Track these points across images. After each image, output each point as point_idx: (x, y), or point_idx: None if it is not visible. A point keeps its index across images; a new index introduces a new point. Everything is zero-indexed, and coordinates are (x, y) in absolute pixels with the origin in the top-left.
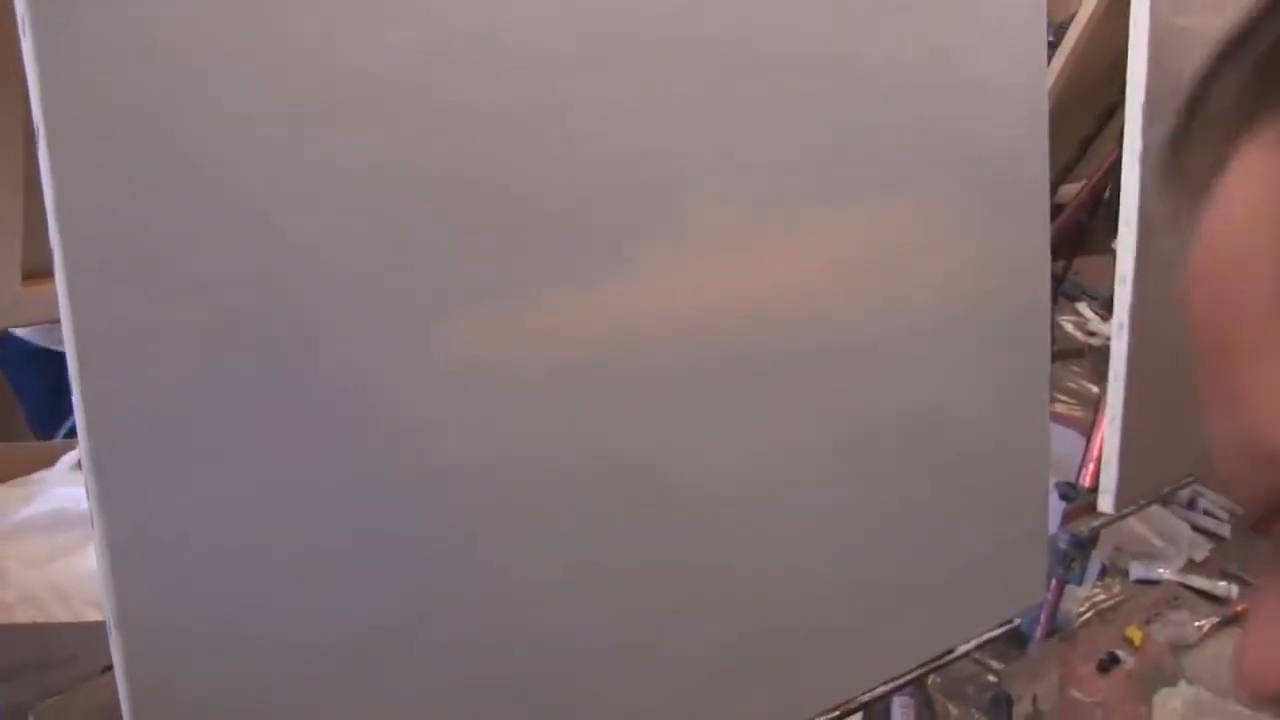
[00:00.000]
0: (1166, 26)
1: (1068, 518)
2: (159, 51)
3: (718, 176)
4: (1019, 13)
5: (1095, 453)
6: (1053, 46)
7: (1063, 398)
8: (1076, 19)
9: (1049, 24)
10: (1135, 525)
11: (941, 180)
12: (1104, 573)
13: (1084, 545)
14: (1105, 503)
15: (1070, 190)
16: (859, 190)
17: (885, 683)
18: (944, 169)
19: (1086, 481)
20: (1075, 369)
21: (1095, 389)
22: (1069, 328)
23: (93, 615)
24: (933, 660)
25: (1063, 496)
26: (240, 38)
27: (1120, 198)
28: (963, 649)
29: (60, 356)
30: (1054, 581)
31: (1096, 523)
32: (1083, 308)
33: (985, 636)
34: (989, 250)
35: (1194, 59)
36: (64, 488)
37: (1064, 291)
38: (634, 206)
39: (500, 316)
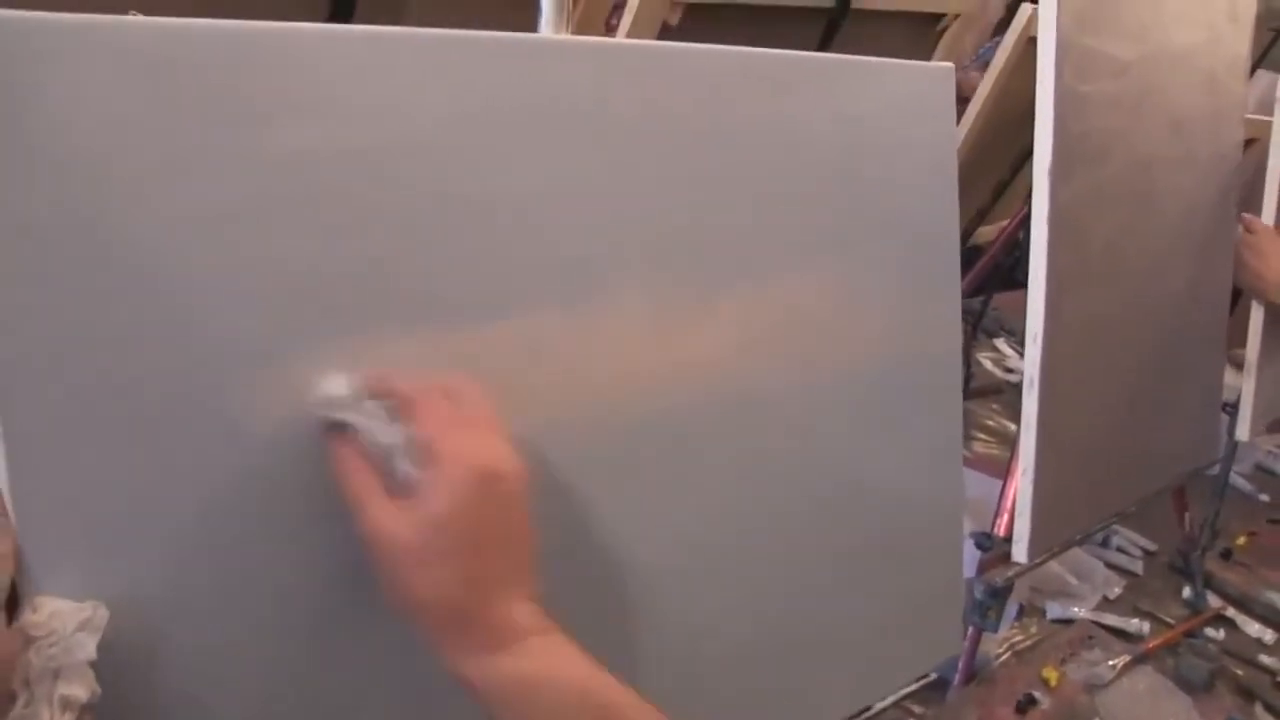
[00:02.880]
0: (1069, 93)
1: (983, 567)
2: (78, 159)
3: (635, 254)
4: (931, 82)
5: (1009, 503)
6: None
7: (981, 435)
8: (987, 73)
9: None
10: (1051, 565)
11: (856, 247)
12: (1021, 613)
13: (999, 594)
14: (1019, 552)
15: (986, 232)
16: (776, 260)
17: None
18: (858, 236)
19: (1001, 531)
20: (994, 407)
21: (1013, 426)
22: (987, 364)
23: None
24: (855, 716)
25: (978, 546)
26: (160, 144)
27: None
28: (883, 704)
29: None
30: (971, 630)
31: (1011, 572)
32: (1001, 344)
33: (905, 690)
34: (904, 313)
35: (1095, 123)
36: None
37: (982, 328)
38: (555, 288)
39: None
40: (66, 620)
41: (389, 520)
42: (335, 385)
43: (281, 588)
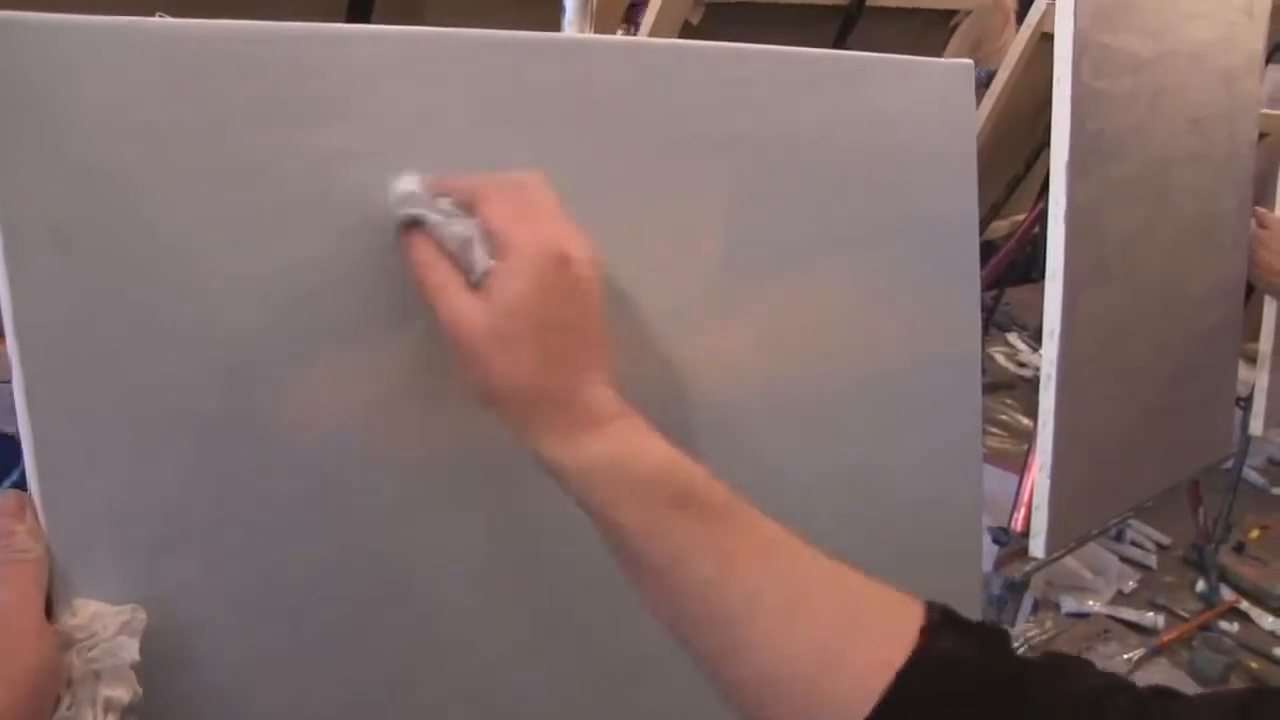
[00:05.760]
0: (1086, 89)
1: (1000, 562)
2: (105, 162)
3: (660, 252)
4: (951, 80)
5: (1026, 497)
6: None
7: (995, 430)
8: (1002, 66)
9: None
10: (1066, 559)
11: (877, 245)
12: (1036, 607)
13: (1016, 589)
14: (1036, 547)
15: (999, 227)
16: (798, 258)
17: None
18: (879, 234)
19: (1018, 526)
20: (1007, 402)
21: (1027, 421)
22: (1000, 359)
23: None
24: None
25: (995, 541)
26: (187, 147)
27: (1047, 253)
28: None
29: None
30: None
31: (1029, 567)
32: (1013, 338)
33: None
34: (923, 312)
35: (1112, 120)
36: None
37: (995, 322)
38: None
39: (454, 408)
40: (108, 623)
41: (467, 308)
42: (408, 184)
43: (315, 588)
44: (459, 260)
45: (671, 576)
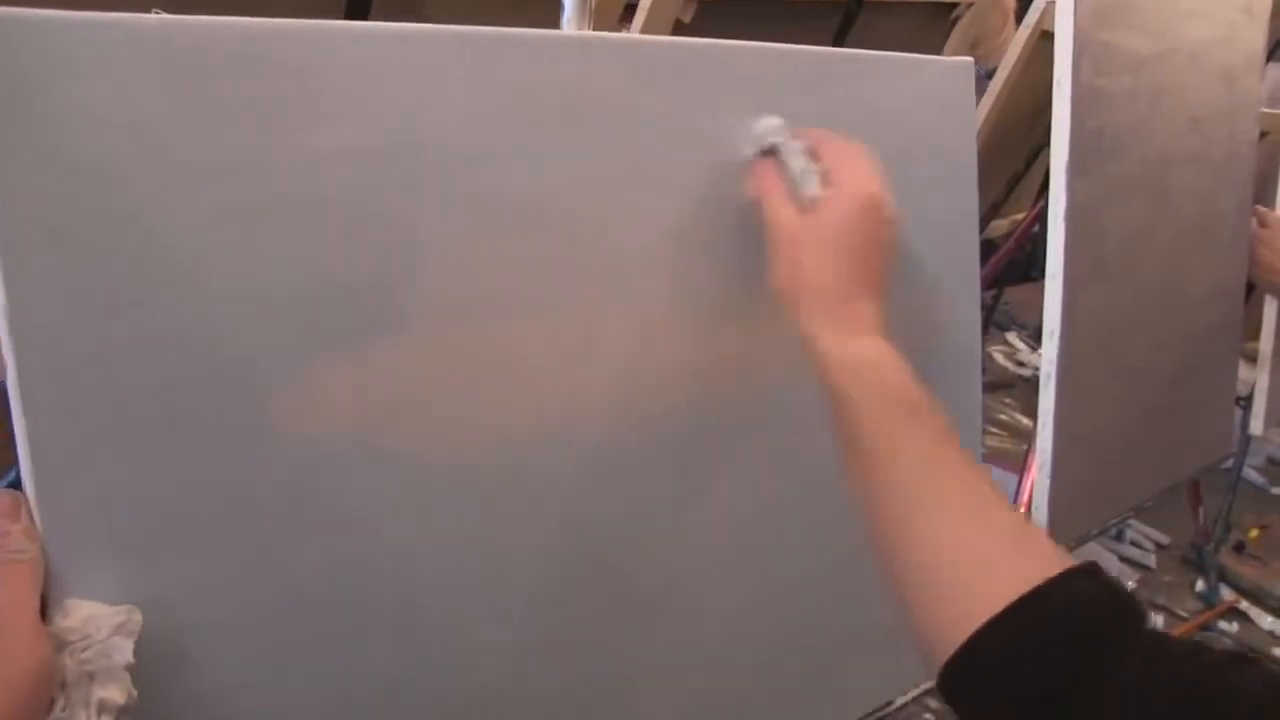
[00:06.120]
0: (1086, 88)
1: None
2: (102, 160)
3: (663, 251)
4: (951, 78)
5: (1025, 498)
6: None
7: (994, 430)
8: (1002, 65)
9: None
10: None
11: None
12: None
13: None
14: None
15: (999, 226)
16: None
17: None
18: None
19: None
20: (1006, 401)
21: (1026, 420)
22: (999, 358)
23: None
24: (875, 710)
25: None
26: (184, 145)
27: (1046, 252)
28: (902, 699)
29: None
30: None
31: None
32: (1012, 337)
33: (924, 686)
34: (924, 311)
35: (1112, 119)
36: None
37: (994, 321)
38: (585, 286)
39: (450, 407)
40: (102, 624)
41: (791, 216)
42: (771, 121)
43: (311, 589)
44: (795, 185)
45: (888, 467)
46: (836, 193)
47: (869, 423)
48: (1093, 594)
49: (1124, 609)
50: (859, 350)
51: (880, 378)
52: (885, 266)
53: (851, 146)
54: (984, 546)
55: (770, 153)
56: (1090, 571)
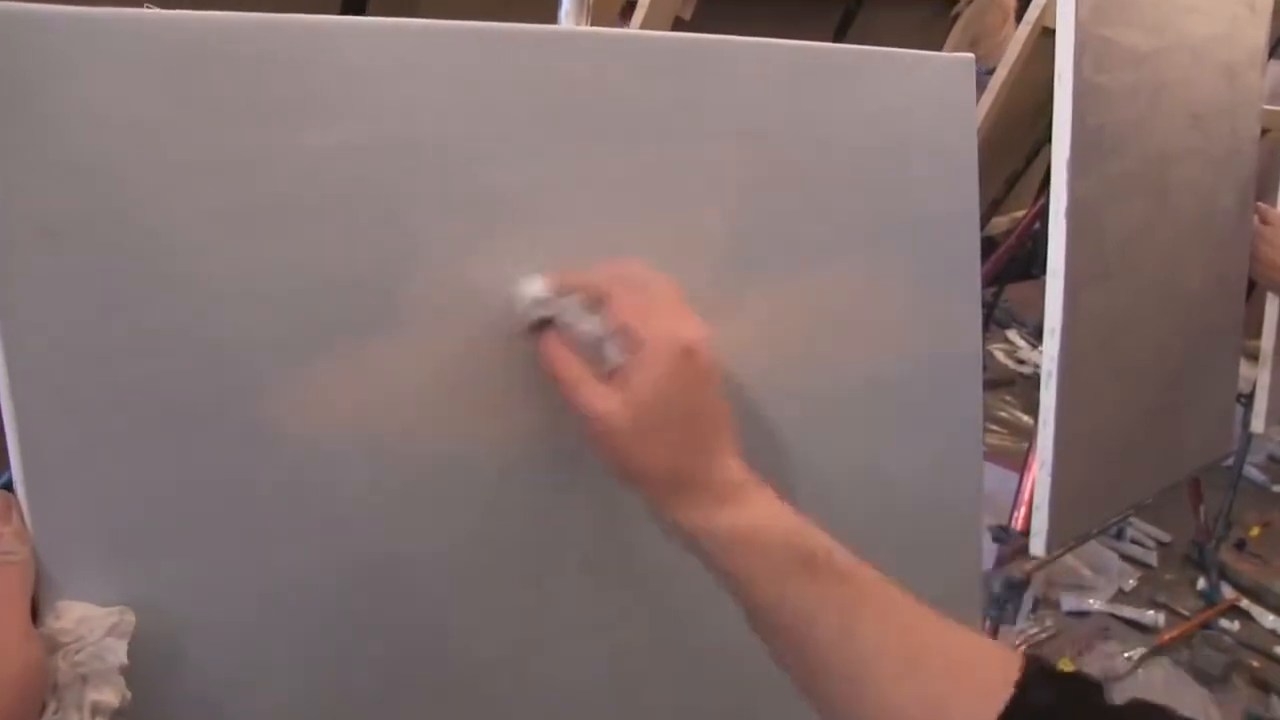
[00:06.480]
0: (1087, 85)
1: (1000, 560)
2: (97, 157)
3: (659, 250)
4: (952, 75)
5: (1026, 496)
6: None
7: (994, 428)
8: (1002, 62)
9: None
10: (1066, 558)
11: (877, 242)
12: (1037, 606)
13: (1016, 588)
14: (1037, 546)
15: (999, 223)
16: (798, 255)
17: None
18: (879, 231)
19: (1018, 525)
20: (1007, 399)
21: (1026, 418)
22: (1000, 356)
23: None
24: None
25: (995, 539)
26: (179, 142)
27: (1047, 250)
28: None
29: None
30: (988, 624)
31: (1029, 565)
32: (1013, 335)
33: None
34: (924, 310)
35: (1113, 115)
36: None
37: (995, 319)
38: None
39: (449, 406)
40: (95, 626)
41: (603, 401)
42: (535, 287)
43: (306, 589)
44: (591, 355)
45: (799, 634)
46: (641, 357)
47: (767, 593)
48: (1048, 709)
49: (1084, 698)
50: (732, 520)
51: (763, 541)
52: (721, 415)
53: (637, 282)
54: (928, 696)
55: (547, 324)
56: (1038, 676)
